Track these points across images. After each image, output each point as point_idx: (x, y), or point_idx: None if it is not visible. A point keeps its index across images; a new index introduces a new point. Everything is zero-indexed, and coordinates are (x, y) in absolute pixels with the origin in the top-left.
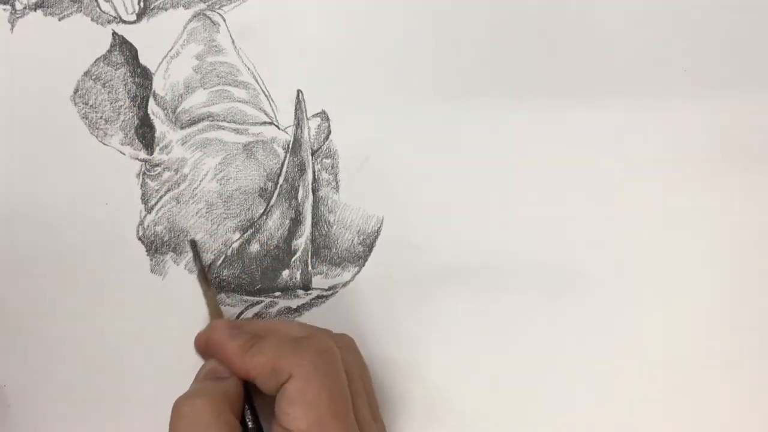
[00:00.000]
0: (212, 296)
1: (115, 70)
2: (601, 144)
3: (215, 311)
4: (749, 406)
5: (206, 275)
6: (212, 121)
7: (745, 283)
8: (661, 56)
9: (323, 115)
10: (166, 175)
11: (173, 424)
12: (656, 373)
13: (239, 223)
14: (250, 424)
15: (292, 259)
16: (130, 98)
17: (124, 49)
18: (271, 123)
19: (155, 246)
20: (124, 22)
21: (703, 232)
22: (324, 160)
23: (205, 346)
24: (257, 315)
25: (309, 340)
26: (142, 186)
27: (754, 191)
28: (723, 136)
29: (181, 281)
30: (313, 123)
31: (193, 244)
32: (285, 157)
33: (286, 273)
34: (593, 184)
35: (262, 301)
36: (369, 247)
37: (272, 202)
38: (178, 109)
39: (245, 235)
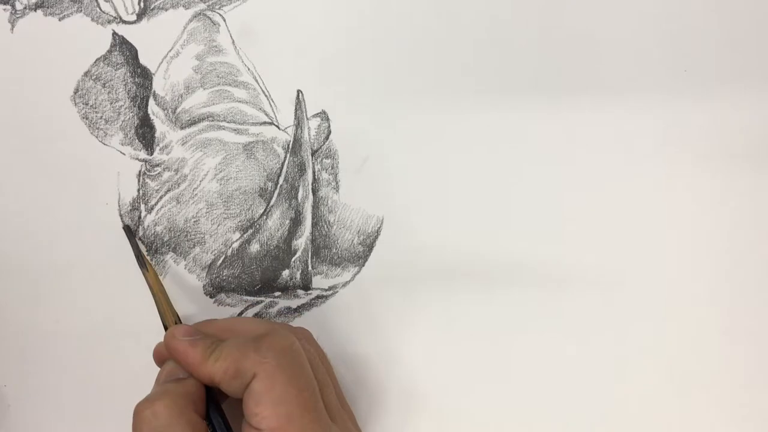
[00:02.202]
0: (156, 283)
1: (115, 70)
2: (601, 144)
3: (165, 305)
4: (748, 407)
5: (146, 262)
6: (212, 121)
7: (744, 283)
8: (661, 56)
9: (323, 115)
10: (166, 175)
11: (135, 430)
12: (654, 373)
13: (239, 223)
14: (215, 424)
15: (292, 259)
16: (130, 98)
17: (124, 49)
18: (271, 123)
19: (155, 246)
20: (124, 22)
21: (704, 232)
22: (324, 160)
23: (164, 354)
24: (257, 315)
25: (270, 337)
26: (142, 186)
27: (754, 191)
28: (723, 136)
29: (182, 281)
30: (313, 123)
31: (128, 230)
32: (285, 157)
33: (286, 273)
34: (593, 184)
35: (262, 301)
36: (369, 247)
37: (272, 202)
38: (178, 109)
39: (245, 235)
